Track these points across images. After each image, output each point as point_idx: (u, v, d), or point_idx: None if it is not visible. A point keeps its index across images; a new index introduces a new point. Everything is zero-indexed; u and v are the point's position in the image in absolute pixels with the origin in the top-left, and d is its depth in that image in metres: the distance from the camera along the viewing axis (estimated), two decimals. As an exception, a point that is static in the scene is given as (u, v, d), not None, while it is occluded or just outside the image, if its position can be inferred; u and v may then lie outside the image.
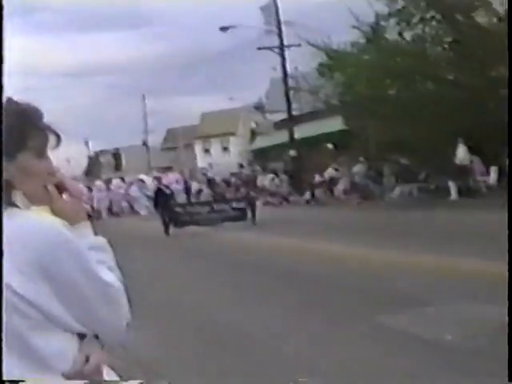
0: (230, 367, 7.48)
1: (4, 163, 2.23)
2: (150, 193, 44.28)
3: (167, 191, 29.65)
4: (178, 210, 26.88)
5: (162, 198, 28.09)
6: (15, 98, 2.32)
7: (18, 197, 2.31)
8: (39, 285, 2.13)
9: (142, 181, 47.30)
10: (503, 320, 7.55)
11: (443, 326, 8.03)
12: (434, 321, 8.50)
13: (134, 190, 45.86)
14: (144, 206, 43.36)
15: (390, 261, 13.31)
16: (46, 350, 2.19)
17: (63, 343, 2.25)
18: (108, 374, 2.42)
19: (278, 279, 12.77)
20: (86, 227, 2.46)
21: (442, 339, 7.48)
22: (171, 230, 25.62)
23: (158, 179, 32.61)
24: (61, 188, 2.40)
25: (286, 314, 9.75)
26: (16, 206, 2.28)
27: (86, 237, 2.39)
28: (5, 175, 2.22)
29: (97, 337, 2.38)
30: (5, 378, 2.07)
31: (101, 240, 2.46)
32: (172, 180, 42.94)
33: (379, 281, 11.49)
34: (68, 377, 2.23)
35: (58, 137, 2.44)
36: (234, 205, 27.28)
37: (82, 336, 2.32)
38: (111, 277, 2.33)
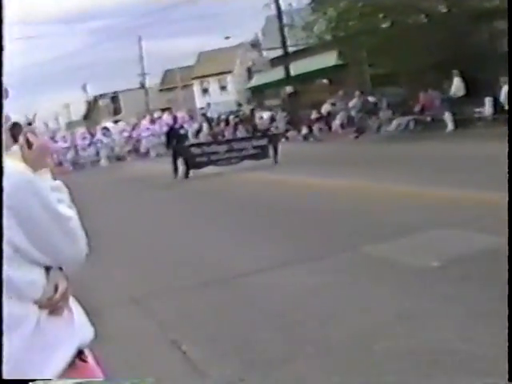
0: (220, 302, 7.85)
1: None
2: (114, 141, 43.67)
3: (181, 131, 27.57)
4: (195, 150, 25.46)
5: (175, 139, 26.27)
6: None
7: None
8: (8, 221, 2.41)
9: (106, 128, 46.23)
10: (490, 247, 7.95)
11: (431, 254, 8.34)
12: (423, 248, 8.82)
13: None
14: (105, 156, 42.84)
15: (386, 192, 13.60)
16: (21, 281, 2.48)
17: (33, 274, 2.54)
18: (73, 303, 2.73)
19: (287, 216, 12.94)
20: (47, 173, 2.78)
21: (429, 266, 7.77)
22: (183, 171, 24.54)
23: (174, 118, 30.71)
24: (29, 142, 2.80)
25: (288, 247, 10.06)
26: None
27: (46, 180, 2.72)
28: None
29: (60, 269, 2.68)
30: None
31: (58, 183, 2.79)
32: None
33: (376, 212, 11.83)
34: (40, 304, 2.53)
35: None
36: (255, 142, 26.11)
37: (48, 269, 2.61)
38: (70, 212, 2.67)
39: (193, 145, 27.54)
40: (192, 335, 6.68)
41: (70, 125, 70.68)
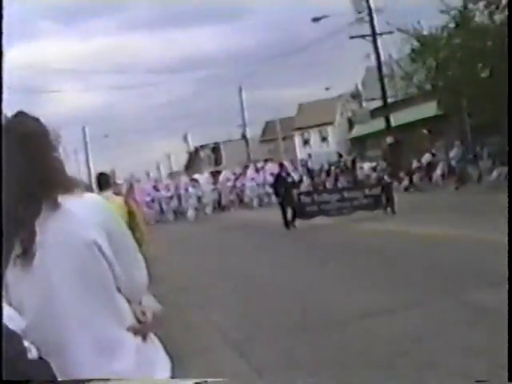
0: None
1: None
2: (202, 192, 43.64)
3: (289, 179, 26.26)
4: (304, 199, 24.46)
5: (283, 187, 24.92)
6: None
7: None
8: (106, 243, 2.61)
9: (195, 180, 46.48)
10: None
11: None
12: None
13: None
14: (192, 207, 42.88)
15: (490, 242, 13.54)
16: (123, 307, 2.68)
17: (125, 301, 2.71)
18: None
19: (395, 264, 13.17)
20: None
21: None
22: (290, 221, 23.65)
23: (281, 165, 29.16)
24: None
25: (393, 294, 10.22)
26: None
27: None
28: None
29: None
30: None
31: None
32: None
33: (478, 261, 11.86)
34: (134, 330, 2.68)
35: None
36: (367, 191, 24.77)
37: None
38: None
39: (302, 193, 26.48)
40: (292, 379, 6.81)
41: (172, 175, 71.91)
